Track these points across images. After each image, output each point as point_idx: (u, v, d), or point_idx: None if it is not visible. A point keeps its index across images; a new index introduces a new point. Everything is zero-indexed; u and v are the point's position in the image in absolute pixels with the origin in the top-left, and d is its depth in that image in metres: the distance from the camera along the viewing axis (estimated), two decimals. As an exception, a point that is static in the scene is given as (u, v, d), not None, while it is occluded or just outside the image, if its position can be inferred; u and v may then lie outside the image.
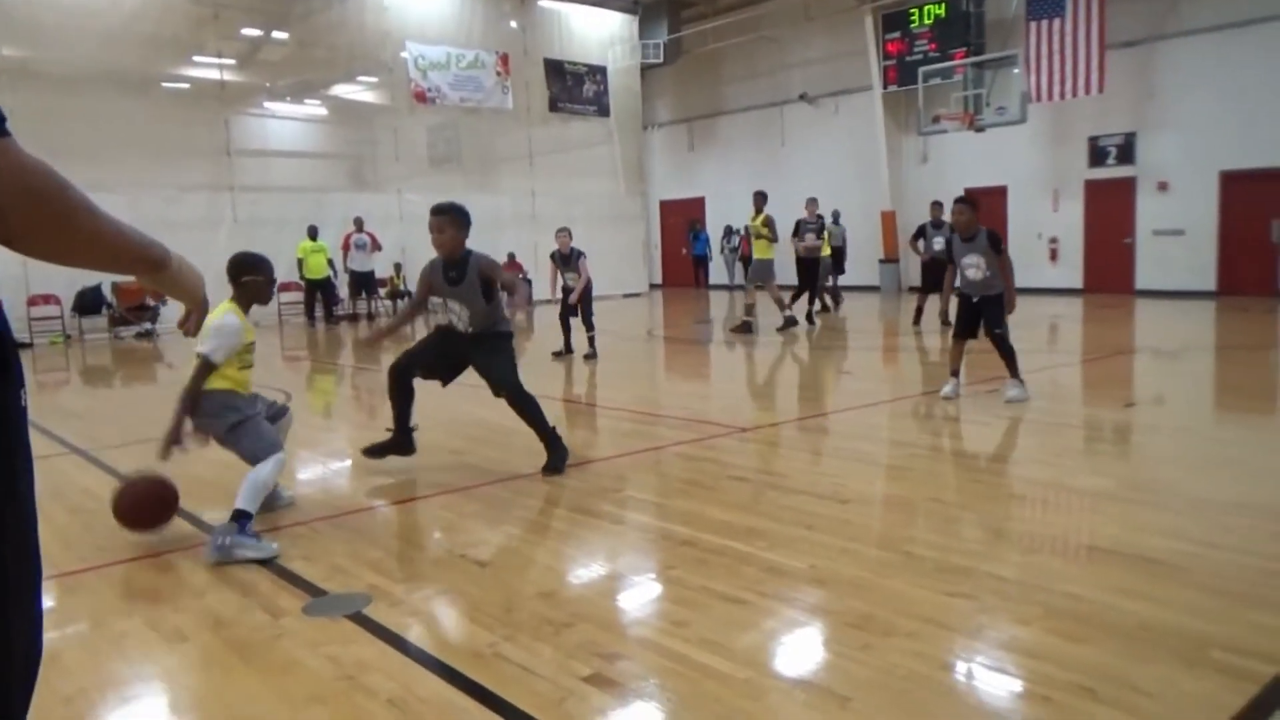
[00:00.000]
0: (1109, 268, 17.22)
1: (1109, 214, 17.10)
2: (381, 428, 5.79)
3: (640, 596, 3.43)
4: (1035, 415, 6.72)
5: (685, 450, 5.79)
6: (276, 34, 18.43)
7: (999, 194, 18.47)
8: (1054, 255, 17.87)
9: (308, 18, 18.03)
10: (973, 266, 7.26)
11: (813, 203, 14.25)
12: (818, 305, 14.39)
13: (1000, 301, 7.15)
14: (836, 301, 15.99)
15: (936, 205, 12.92)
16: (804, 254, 13.64)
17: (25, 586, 1.15)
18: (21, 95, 13.22)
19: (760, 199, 12.68)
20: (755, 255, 12.59)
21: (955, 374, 7.39)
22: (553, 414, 7.47)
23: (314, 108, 20.44)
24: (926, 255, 12.83)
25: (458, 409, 7.39)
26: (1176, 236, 16.30)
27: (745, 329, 12.51)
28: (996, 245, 7.25)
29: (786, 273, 13.97)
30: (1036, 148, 17.64)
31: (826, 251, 14.47)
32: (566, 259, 10.72)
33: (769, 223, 12.39)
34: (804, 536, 3.94)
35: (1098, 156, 17.11)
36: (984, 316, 7.19)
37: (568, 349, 10.92)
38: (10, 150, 1.10)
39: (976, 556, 3.64)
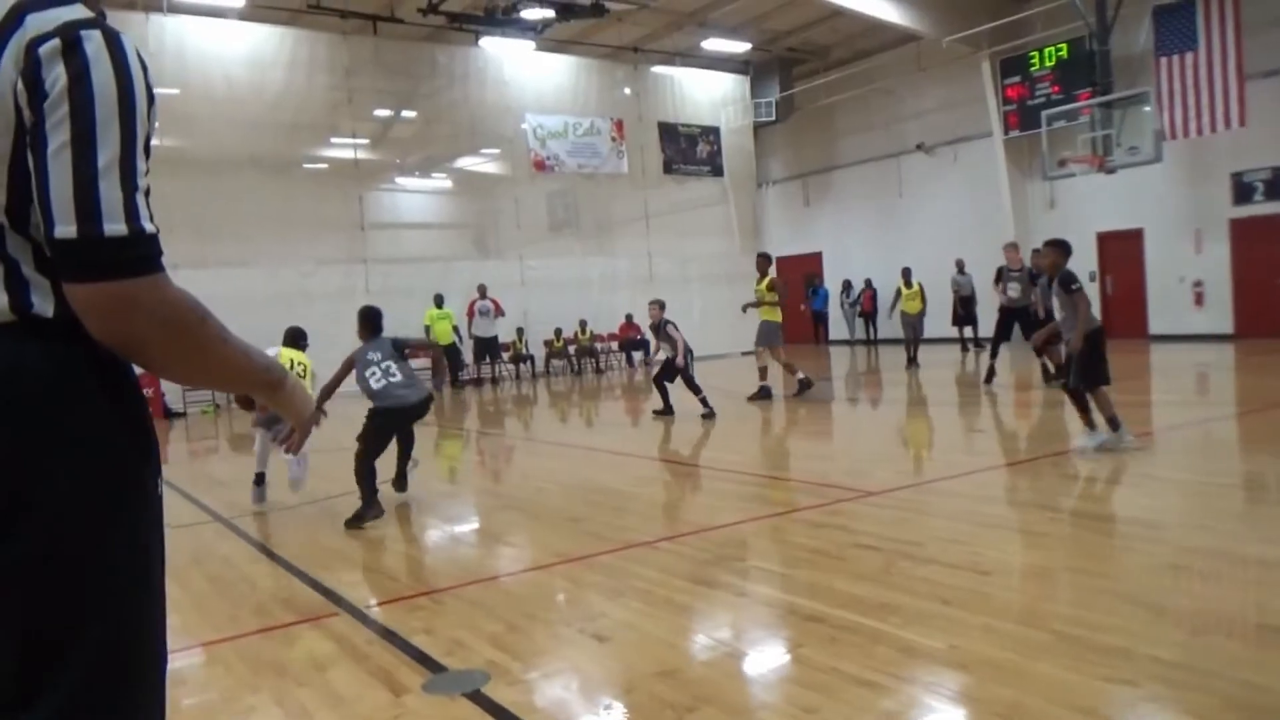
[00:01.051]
0: (1262, 311, 16.03)
1: (1259, 254, 15.98)
2: (503, 492, 5.82)
3: (766, 678, 3.27)
4: (1189, 475, 6.23)
5: (809, 516, 5.60)
6: (405, 113, 19.39)
7: (1135, 238, 17.59)
8: (1199, 299, 16.81)
9: (433, 96, 18.92)
10: (1059, 309, 7.10)
11: (1012, 248, 13.22)
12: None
13: (1077, 354, 6.87)
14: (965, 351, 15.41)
15: (1011, 248, 12.44)
16: (1006, 304, 12.80)
17: (155, 668, 1.31)
18: (176, 181, 14.24)
19: (764, 261, 12.39)
20: (762, 318, 12.07)
21: (1113, 422, 6.86)
22: (658, 476, 7.38)
23: (440, 180, 21.33)
24: (1005, 300, 12.32)
25: (578, 473, 7.40)
26: (1340, 275, 15.07)
27: (763, 394, 11.99)
28: (1065, 286, 7.00)
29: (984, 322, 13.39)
30: (1174, 187, 16.74)
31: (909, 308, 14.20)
32: (657, 330, 10.83)
33: (774, 286, 12.06)
34: (940, 612, 3.71)
35: (1243, 193, 16.09)
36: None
37: (667, 409, 10.83)
38: (158, 286, 1.21)
39: (1134, 636, 3.33)
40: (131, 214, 1.19)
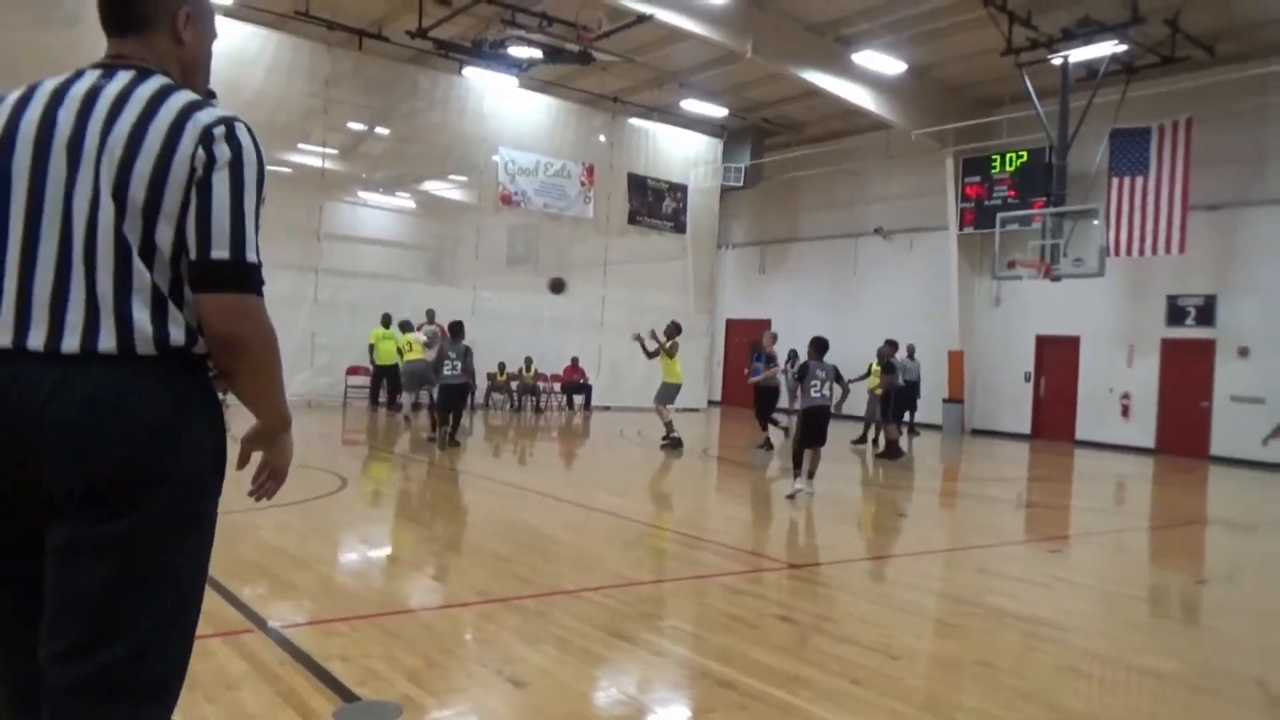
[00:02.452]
0: (1184, 430, 16.71)
1: (1186, 375, 16.70)
2: (432, 523, 5.81)
3: (674, 738, 3.31)
4: (1098, 582, 6.46)
5: (731, 582, 5.68)
6: (379, 130, 19.42)
7: (1071, 344, 18.24)
8: (1126, 411, 17.45)
9: (410, 117, 19.00)
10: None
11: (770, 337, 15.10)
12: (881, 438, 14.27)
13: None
14: (875, 440, 15.49)
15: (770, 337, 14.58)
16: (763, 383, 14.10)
17: (198, 614, 1.75)
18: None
19: (674, 329, 13.81)
20: (665, 379, 13.60)
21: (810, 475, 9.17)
22: (588, 524, 7.41)
23: (404, 200, 21.31)
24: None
25: (508, 512, 7.40)
26: (1256, 404, 15.81)
27: (675, 445, 13.18)
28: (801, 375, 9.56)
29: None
30: (1113, 301, 17.46)
31: (874, 385, 14.56)
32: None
33: (673, 351, 13.60)
34: (849, 691, 3.80)
35: (1176, 315, 16.84)
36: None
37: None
38: (262, 305, 1.69)
39: (1030, 735, 3.45)
40: (256, 249, 1.69)
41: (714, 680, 3.87)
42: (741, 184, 22.95)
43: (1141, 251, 16.12)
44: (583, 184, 20.94)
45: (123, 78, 1.70)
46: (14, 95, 1.70)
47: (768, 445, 13.54)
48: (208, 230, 1.62)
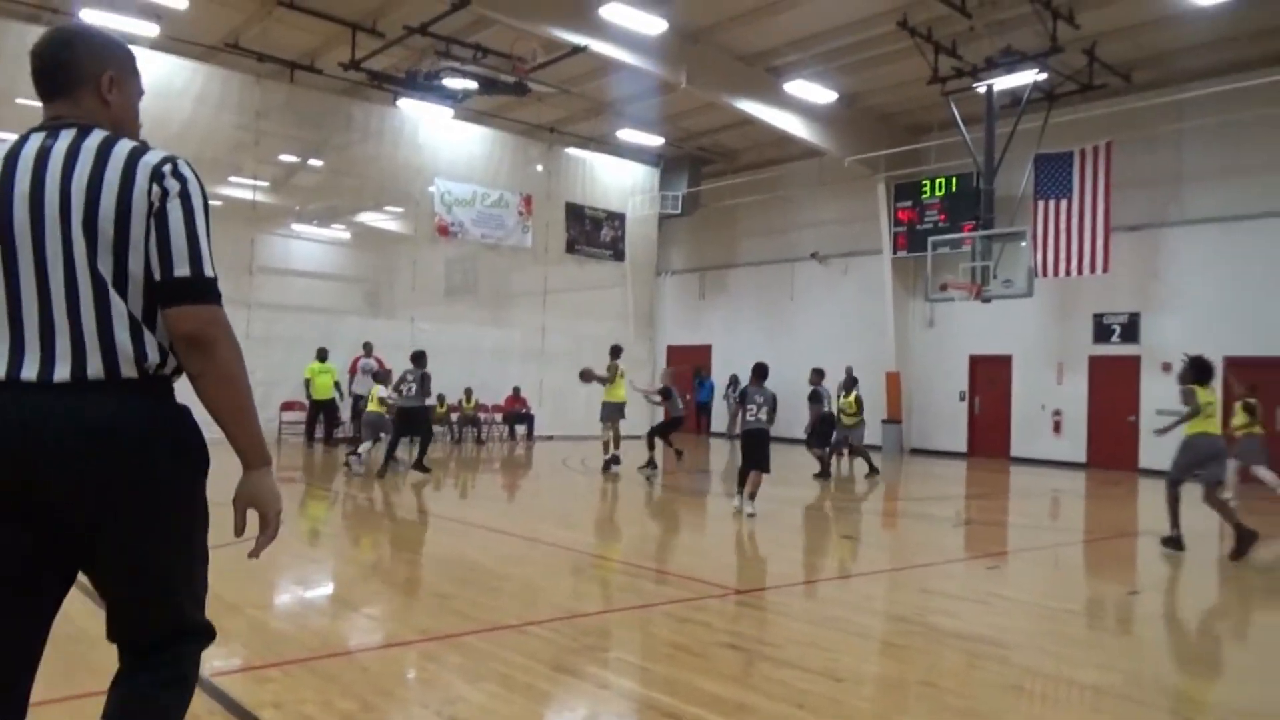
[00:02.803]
0: (1113, 444, 17.17)
1: (1113, 390, 17.20)
2: (369, 560, 5.68)
3: (619, 774, 3.26)
4: (1035, 598, 6.57)
5: (675, 610, 5.64)
6: (312, 162, 19.18)
7: (1004, 363, 18.67)
8: (1057, 428, 17.89)
9: (344, 149, 18.80)
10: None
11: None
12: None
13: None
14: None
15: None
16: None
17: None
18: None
19: (615, 352, 14.35)
20: (607, 399, 13.98)
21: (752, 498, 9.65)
22: (531, 557, 7.33)
23: (338, 232, 21.05)
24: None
25: (449, 547, 7.27)
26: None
27: (613, 463, 13.78)
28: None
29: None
30: (1042, 321, 17.94)
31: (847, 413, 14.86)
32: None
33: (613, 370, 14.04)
34: (795, 716, 3.78)
35: (1102, 333, 17.36)
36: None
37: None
38: (223, 313, 1.98)
39: (974, 754, 3.47)
40: (212, 265, 1.97)
41: (660, 712, 3.83)
42: (679, 211, 23.15)
43: (1068, 272, 16.61)
44: (520, 214, 20.91)
45: (66, 135, 1.96)
46: None
47: (650, 464, 13.70)
48: (169, 252, 1.91)
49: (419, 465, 12.81)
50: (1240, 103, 14.84)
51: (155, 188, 1.90)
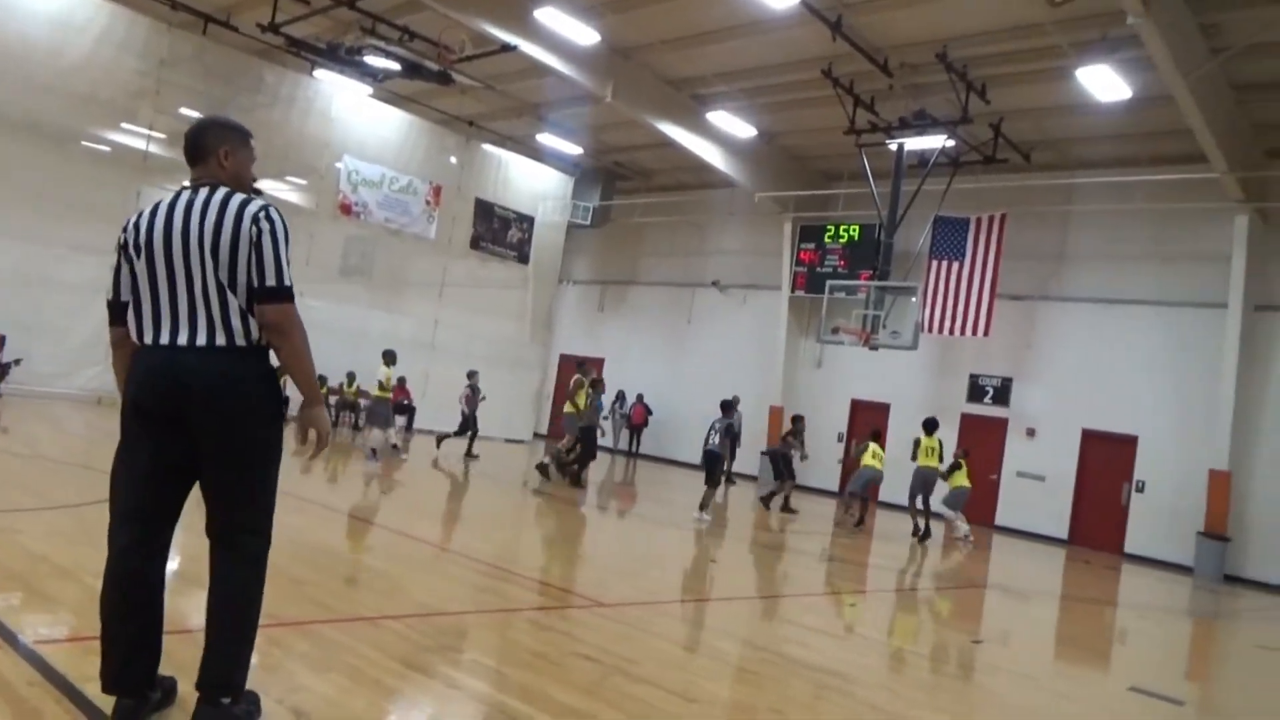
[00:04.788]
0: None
1: (981, 449, 17.95)
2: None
3: (460, 778, 3.19)
4: (885, 637, 6.77)
5: (538, 617, 5.59)
6: (215, 119, 18.38)
7: (882, 410, 19.29)
8: (925, 478, 18.53)
9: (251, 111, 18.04)
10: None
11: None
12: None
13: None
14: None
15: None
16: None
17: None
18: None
19: (581, 371, 15.20)
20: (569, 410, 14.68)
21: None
22: (399, 550, 7.17)
23: (234, 196, 20.20)
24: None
25: (312, 533, 7.03)
26: (1038, 481, 17.21)
27: (542, 470, 14.23)
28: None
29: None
30: (922, 374, 18.64)
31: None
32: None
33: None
34: (643, 734, 3.78)
35: (976, 393, 18.17)
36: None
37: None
38: (296, 309, 3.05)
39: (812, 784, 3.53)
40: (289, 277, 3.04)
41: (507, 717, 3.78)
42: (589, 222, 23.15)
43: (952, 331, 17.33)
44: (428, 203, 20.54)
45: (203, 191, 3.08)
46: (148, 209, 3.13)
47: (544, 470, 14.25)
48: (263, 269, 2.97)
49: None
50: (1125, 195, 15.84)
51: (253, 228, 2.98)
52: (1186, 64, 11.81)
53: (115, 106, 16.21)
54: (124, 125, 16.61)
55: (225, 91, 17.55)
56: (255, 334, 2.99)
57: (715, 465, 12.33)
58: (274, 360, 3.07)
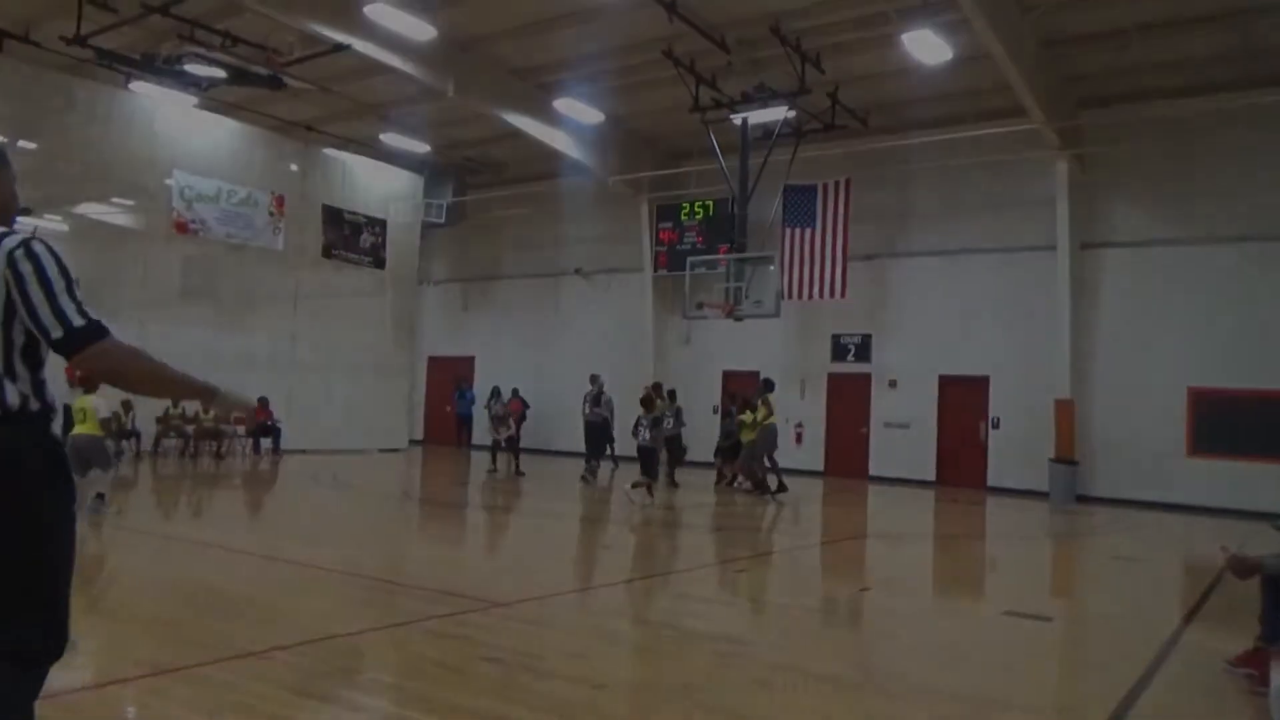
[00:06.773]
0: (847, 453, 18.66)
1: (846, 405, 18.69)
2: (84, 589, 5.09)
3: (371, 800, 3.10)
4: (777, 597, 6.96)
5: (434, 626, 5.48)
6: (23, 143, 17.04)
7: (754, 379, 19.73)
8: (800, 439, 19.14)
9: (63, 132, 16.84)
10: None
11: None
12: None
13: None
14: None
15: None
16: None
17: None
18: None
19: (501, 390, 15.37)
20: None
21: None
22: (277, 577, 6.90)
23: (53, 223, 18.76)
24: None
25: (182, 571, 6.67)
26: (903, 430, 18.02)
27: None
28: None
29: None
30: (788, 340, 19.19)
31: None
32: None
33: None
34: (554, 727, 3.77)
35: (839, 352, 18.86)
36: None
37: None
38: (111, 341, 2.39)
39: (724, 750, 3.61)
40: (82, 313, 2.38)
41: (415, 732, 3.69)
42: (443, 221, 22.67)
43: (811, 295, 17.88)
44: (272, 214, 19.67)
45: None
46: None
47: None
48: (41, 320, 2.35)
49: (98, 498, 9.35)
50: (956, 151, 16.66)
51: (11, 273, 2.36)
52: (1000, 23, 12.50)
53: (-94, 135, 14.82)
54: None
55: (32, 112, 16.29)
56: (18, 399, 2.37)
57: (648, 459, 12.73)
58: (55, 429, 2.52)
